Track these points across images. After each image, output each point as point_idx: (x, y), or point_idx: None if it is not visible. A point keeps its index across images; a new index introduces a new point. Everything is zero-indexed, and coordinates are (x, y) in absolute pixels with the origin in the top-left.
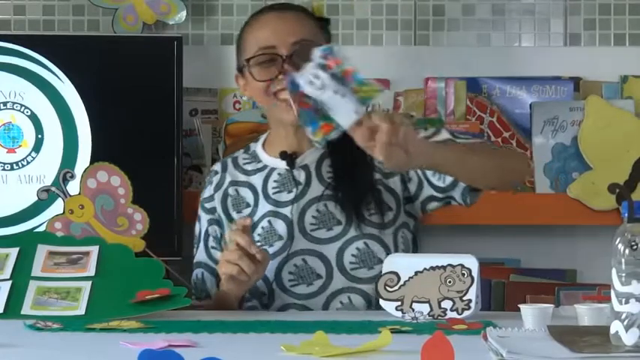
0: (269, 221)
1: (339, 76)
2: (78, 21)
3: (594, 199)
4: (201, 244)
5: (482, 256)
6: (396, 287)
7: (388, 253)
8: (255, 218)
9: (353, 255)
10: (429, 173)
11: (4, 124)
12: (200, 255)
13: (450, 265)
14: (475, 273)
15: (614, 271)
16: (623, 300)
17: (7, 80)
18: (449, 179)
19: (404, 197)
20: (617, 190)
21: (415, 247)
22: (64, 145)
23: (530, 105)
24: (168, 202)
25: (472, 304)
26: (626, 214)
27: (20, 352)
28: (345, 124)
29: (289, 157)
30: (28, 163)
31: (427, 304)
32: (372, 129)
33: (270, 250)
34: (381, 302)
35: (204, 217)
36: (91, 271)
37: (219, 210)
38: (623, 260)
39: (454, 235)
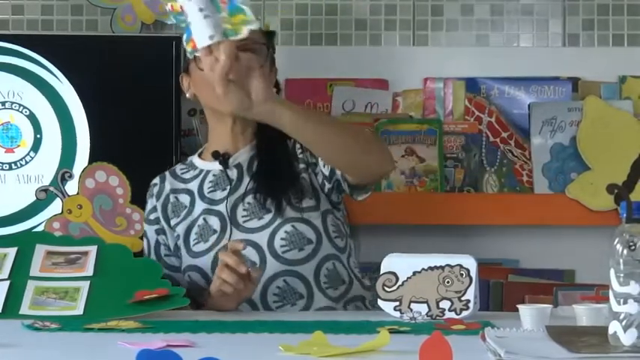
0: (204, 218)
1: None
2: (76, 21)
3: (593, 200)
4: (153, 257)
5: (480, 256)
6: (395, 287)
7: (318, 234)
8: (191, 219)
9: (282, 238)
10: (320, 165)
11: (2, 124)
12: None
13: (448, 265)
14: (473, 273)
15: (612, 271)
16: (622, 300)
17: (6, 80)
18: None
19: (320, 188)
20: (616, 191)
21: (353, 235)
22: (62, 144)
23: (529, 105)
24: None
25: (470, 305)
26: (625, 215)
27: (18, 352)
28: (198, 45)
29: (222, 157)
30: (26, 162)
31: (425, 305)
32: (217, 59)
33: (206, 245)
34: (380, 302)
35: (150, 230)
36: (90, 271)
37: (162, 218)
38: (621, 261)
39: (452, 235)
